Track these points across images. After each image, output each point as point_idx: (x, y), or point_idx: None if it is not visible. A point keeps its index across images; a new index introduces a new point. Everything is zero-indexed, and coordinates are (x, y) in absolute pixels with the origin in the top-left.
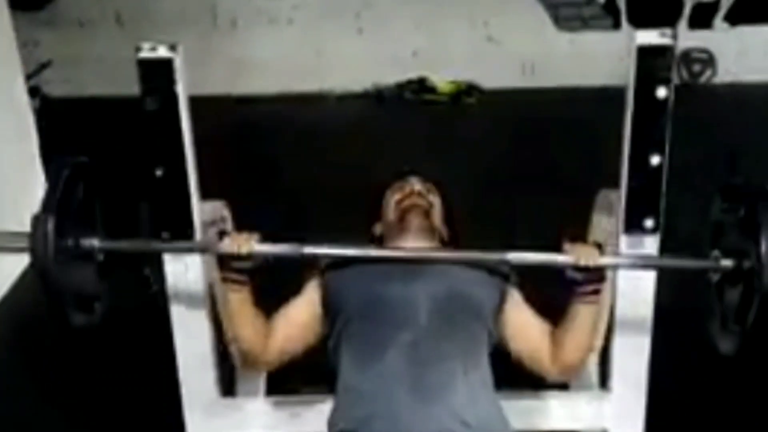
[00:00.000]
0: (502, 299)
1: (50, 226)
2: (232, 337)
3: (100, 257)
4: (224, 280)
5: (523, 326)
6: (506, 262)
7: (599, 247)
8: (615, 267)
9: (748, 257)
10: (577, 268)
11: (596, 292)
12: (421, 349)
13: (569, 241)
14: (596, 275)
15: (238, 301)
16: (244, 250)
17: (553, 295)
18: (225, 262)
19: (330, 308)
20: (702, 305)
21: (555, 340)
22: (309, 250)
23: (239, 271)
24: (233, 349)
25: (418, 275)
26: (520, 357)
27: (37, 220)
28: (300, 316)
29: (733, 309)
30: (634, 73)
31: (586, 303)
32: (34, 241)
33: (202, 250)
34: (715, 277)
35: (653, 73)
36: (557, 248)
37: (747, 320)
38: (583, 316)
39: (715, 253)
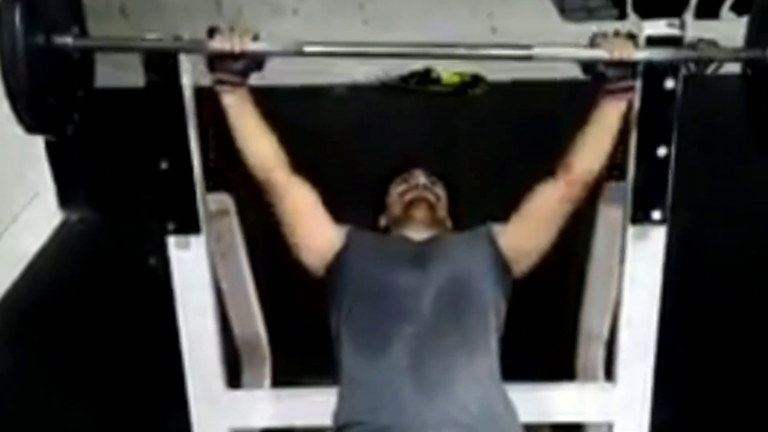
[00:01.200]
0: (498, 253)
1: (17, 15)
2: (246, 152)
3: (76, 56)
4: (218, 82)
5: (518, 221)
6: (531, 57)
7: (632, 37)
8: (650, 60)
9: None
10: (610, 63)
11: (628, 89)
12: (425, 341)
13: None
14: (628, 69)
15: (237, 106)
16: (238, 47)
17: None
18: (217, 61)
19: (335, 276)
20: (709, 298)
21: (570, 148)
22: (310, 47)
23: (233, 71)
24: (251, 165)
25: (424, 262)
26: (543, 222)
27: (1, 9)
28: (325, 219)
29: None
30: (642, 64)
31: (616, 100)
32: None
33: (190, 49)
34: (761, 71)
35: (661, 63)
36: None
37: None
38: (612, 115)
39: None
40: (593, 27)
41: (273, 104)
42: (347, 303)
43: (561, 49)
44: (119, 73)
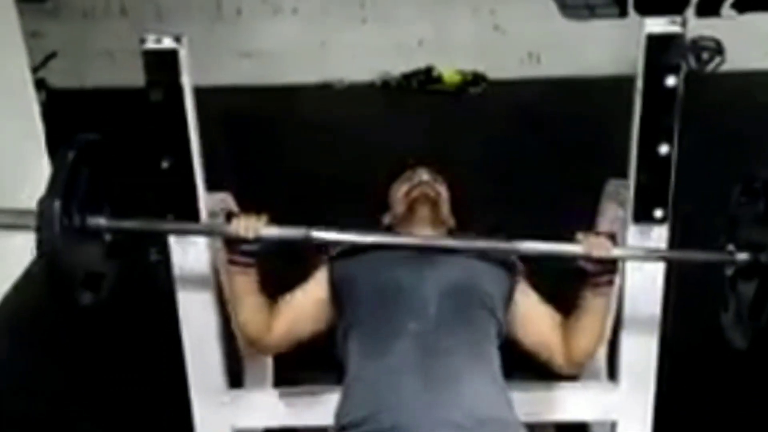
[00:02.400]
0: (511, 290)
1: (57, 206)
2: (236, 320)
3: (108, 237)
4: (230, 262)
5: (534, 317)
6: (516, 252)
7: (612, 237)
8: (628, 259)
9: (765, 251)
10: (590, 259)
11: (609, 282)
12: (429, 340)
13: (583, 230)
14: (609, 266)
15: (243, 285)
16: (252, 233)
17: (563, 285)
18: (231, 243)
19: (338, 296)
20: (712, 296)
21: (566, 332)
22: (317, 234)
23: (245, 253)
24: (237, 332)
25: (426, 265)
26: (530, 348)
27: (44, 200)
28: (306, 302)
29: (747, 303)
30: (643, 61)
31: (598, 294)
32: (41, 221)
33: (209, 231)
34: (730, 271)
35: (663, 61)
36: (564, 238)
37: (762, 315)
38: (595, 306)
39: (731, 246)
40: (594, 24)
41: (273, 103)
42: (353, 309)
43: (543, 245)
44: (120, 72)
